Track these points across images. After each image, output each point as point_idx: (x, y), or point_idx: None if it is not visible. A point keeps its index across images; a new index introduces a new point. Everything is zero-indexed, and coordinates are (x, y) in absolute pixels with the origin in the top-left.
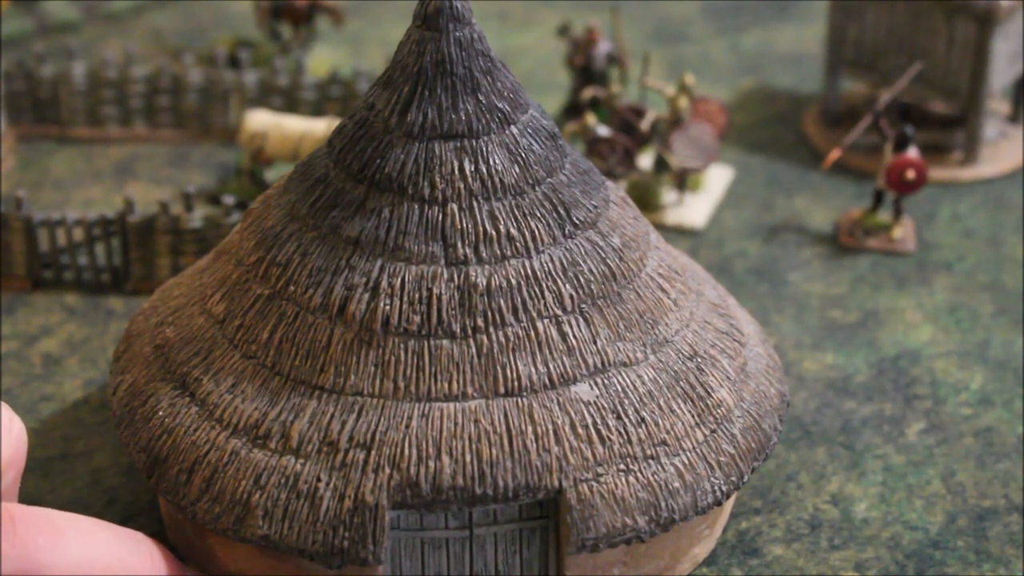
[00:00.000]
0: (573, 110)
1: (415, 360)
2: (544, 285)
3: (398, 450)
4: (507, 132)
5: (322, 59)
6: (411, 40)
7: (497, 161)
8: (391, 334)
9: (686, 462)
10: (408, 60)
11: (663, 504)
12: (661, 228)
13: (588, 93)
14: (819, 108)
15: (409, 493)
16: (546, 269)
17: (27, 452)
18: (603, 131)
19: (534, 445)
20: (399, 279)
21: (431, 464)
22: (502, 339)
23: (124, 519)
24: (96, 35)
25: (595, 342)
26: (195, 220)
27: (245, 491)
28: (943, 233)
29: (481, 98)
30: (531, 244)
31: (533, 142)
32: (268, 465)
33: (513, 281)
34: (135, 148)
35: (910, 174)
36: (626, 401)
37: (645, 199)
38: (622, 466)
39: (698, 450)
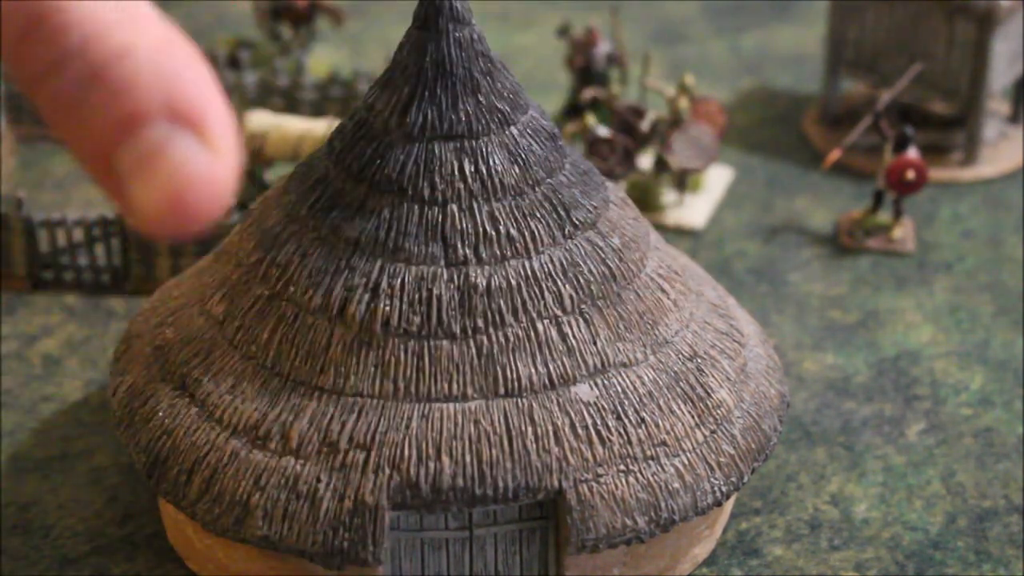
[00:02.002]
0: (573, 111)
1: (415, 361)
2: (544, 286)
3: (398, 451)
4: (507, 133)
5: (322, 59)
6: (411, 41)
7: (497, 162)
8: (391, 335)
9: (686, 463)
10: (408, 61)
11: (663, 505)
12: (661, 228)
13: (588, 94)
14: (819, 108)
15: (409, 494)
16: (546, 270)
17: (27, 452)
18: (603, 132)
19: (534, 446)
20: (399, 280)
21: (431, 465)
22: (502, 340)
23: (124, 519)
24: None
25: (595, 343)
26: None
27: (245, 492)
28: (943, 233)
29: (481, 99)
30: (531, 245)
31: (533, 143)
32: (268, 466)
33: (513, 282)
34: None
35: (910, 174)
36: (626, 402)
37: (645, 199)
38: (622, 467)
39: (698, 451)
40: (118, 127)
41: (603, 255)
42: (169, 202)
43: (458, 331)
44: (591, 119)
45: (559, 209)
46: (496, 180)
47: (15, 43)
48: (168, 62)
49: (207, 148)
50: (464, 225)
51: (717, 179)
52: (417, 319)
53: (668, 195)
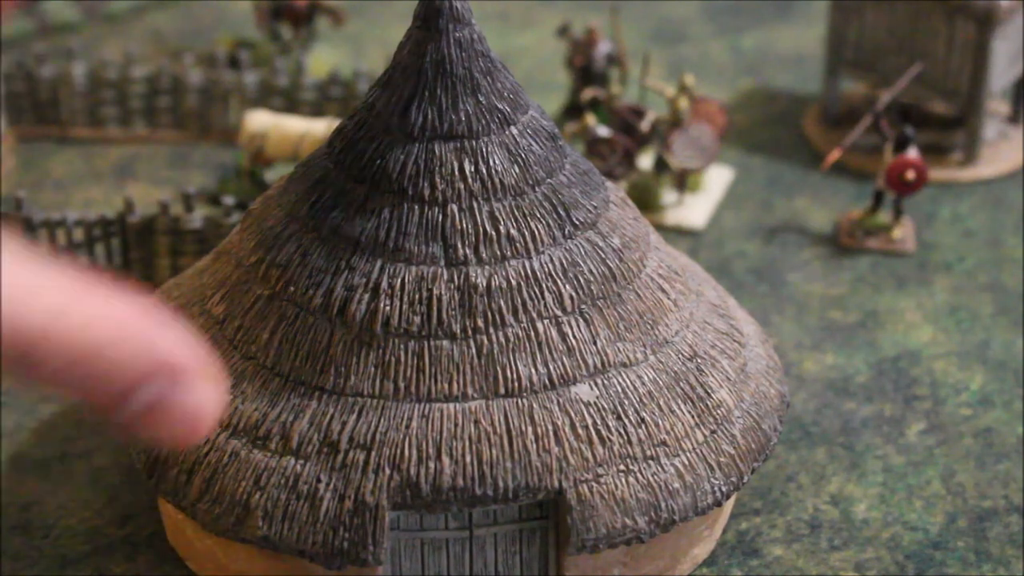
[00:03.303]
0: (573, 111)
1: (415, 361)
2: (544, 286)
3: (398, 451)
4: (507, 133)
5: (322, 59)
6: (411, 41)
7: (497, 162)
8: (391, 335)
9: (686, 463)
10: (408, 61)
11: (663, 505)
12: (661, 228)
13: (588, 94)
14: (819, 108)
15: (409, 494)
16: (546, 270)
17: (27, 452)
18: (603, 132)
19: (534, 446)
20: (399, 280)
21: (431, 465)
22: (502, 340)
23: (124, 519)
24: (96, 35)
25: (595, 343)
26: (195, 220)
27: (245, 492)
28: (943, 233)
29: (481, 99)
30: (531, 245)
31: (533, 143)
32: (268, 466)
33: (513, 282)
34: (135, 149)
35: (910, 175)
36: (626, 402)
37: (645, 199)
38: (622, 467)
39: (698, 451)
40: (119, 394)
41: (603, 255)
42: (171, 440)
43: (458, 331)
44: (591, 119)
45: (559, 209)
46: (496, 180)
47: (14, 365)
48: (142, 336)
49: (198, 387)
50: (464, 225)
51: (717, 179)
52: (417, 319)
53: (668, 195)
